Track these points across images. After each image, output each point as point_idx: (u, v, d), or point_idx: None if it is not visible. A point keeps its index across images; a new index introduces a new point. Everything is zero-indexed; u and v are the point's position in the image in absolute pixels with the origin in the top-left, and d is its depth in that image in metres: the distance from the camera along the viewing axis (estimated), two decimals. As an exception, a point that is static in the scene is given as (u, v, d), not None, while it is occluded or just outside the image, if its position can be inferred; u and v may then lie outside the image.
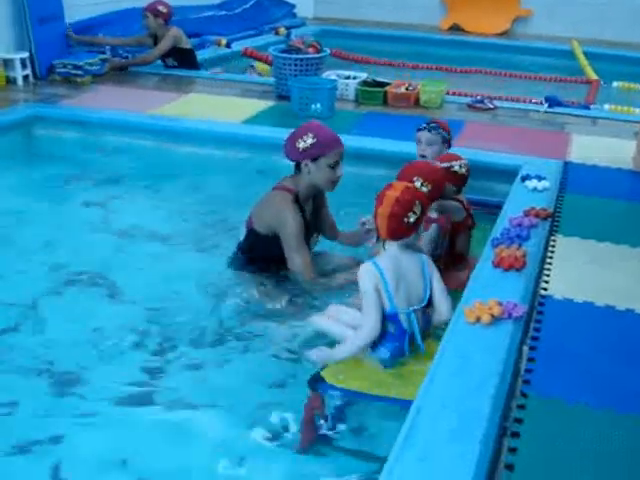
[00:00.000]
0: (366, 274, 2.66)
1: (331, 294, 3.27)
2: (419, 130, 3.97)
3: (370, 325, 2.65)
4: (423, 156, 3.89)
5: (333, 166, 3.23)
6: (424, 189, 3.11)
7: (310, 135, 3.20)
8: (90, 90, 6.31)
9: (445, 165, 3.54)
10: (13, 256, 3.80)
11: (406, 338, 2.68)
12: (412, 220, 2.65)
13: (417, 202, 2.66)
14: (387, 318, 2.67)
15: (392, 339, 2.69)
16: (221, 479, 2.41)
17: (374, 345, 2.70)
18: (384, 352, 2.70)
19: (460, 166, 3.56)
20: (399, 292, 2.66)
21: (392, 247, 2.72)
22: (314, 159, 3.21)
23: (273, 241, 3.29)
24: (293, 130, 3.33)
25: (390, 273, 2.65)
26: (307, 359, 2.87)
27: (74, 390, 2.78)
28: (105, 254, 3.86)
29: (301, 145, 3.20)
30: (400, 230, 2.67)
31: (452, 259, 3.49)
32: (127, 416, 2.69)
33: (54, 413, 2.66)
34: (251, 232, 3.38)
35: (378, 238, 2.77)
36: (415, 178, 3.15)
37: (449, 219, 3.45)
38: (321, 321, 3.01)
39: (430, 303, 2.76)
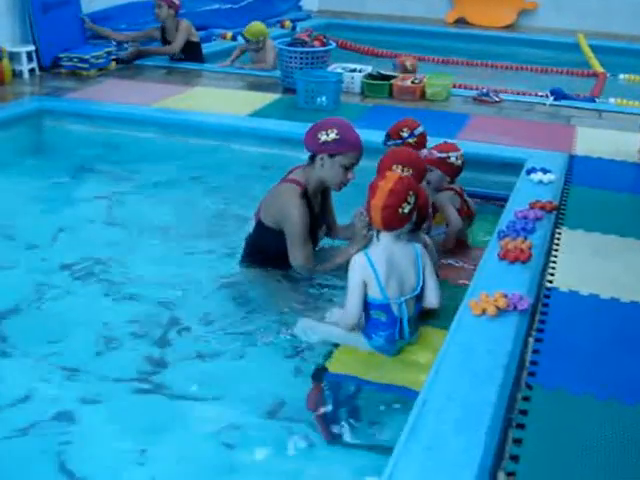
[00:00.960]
0: (357, 266, 2.71)
1: (335, 287, 3.28)
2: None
3: (349, 313, 2.74)
4: None
5: (348, 167, 3.20)
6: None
7: (335, 130, 3.15)
8: (96, 83, 6.32)
9: (442, 155, 3.57)
10: (21, 249, 3.82)
11: (397, 325, 2.74)
12: (406, 211, 2.67)
13: (411, 192, 2.68)
14: (378, 308, 2.73)
15: (384, 327, 2.75)
16: (226, 469, 2.42)
17: (368, 336, 2.77)
18: (378, 340, 2.77)
19: (456, 157, 3.61)
20: (391, 282, 2.70)
21: (385, 238, 2.74)
22: (331, 155, 3.18)
23: (280, 235, 3.28)
24: (320, 120, 3.29)
25: (382, 264, 2.69)
26: (293, 332, 2.96)
27: (81, 378, 2.80)
28: (111, 246, 3.86)
29: (323, 137, 3.16)
30: (394, 221, 2.68)
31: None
32: (133, 406, 2.71)
33: (62, 400, 2.68)
34: (259, 224, 3.39)
35: (371, 229, 2.81)
36: (395, 165, 3.13)
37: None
38: (311, 325, 2.99)
39: (422, 291, 2.81)
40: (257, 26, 6.83)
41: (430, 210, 3.45)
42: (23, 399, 2.67)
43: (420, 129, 3.69)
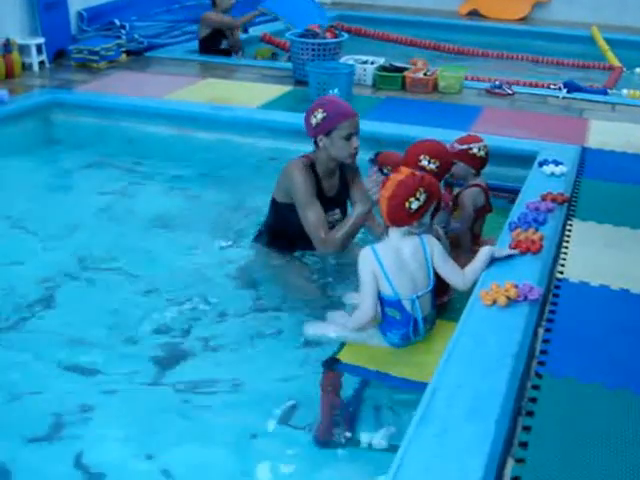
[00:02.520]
0: (363, 260, 2.68)
1: (347, 274, 3.29)
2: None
3: (364, 309, 2.69)
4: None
5: (348, 138, 3.19)
6: (432, 166, 3.09)
7: (320, 110, 3.18)
8: (106, 76, 6.35)
9: (464, 147, 3.54)
10: (34, 241, 3.84)
11: (411, 323, 2.69)
12: (414, 206, 2.62)
13: (421, 189, 2.62)
14: (391, 305, 2.69)
15: (398, 326, 2.70)
16: (240, 460, 2.45)
17: (384, 333, 2.74)
18: (393, 338, 2.73)
19: (479, 148, 3.54)
20: (401, 280, 2.65)
21: (394, 234, 2.71)
22: (327, 133, 3.19)
23: (292, 209, 3.27)
24: (309, 106, 3.32)
25: (389, 261, 2.65)
26: (304, 332, 2.93)
27: (92, 373, 2.83)
28: (121, 238, 3.90)
29: (313, 121, 3.19)
30: (400, 215, 2.65)
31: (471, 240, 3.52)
32: (148, 396, 2.74)
33: (78, 393, 2.71)
34: (272, 202, 3.41)
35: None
36: (422, 156, 3.12)
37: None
38: (319, 330, 2.96)
39: (441, 283, 2.77)
40: None
41: (450, 204, 3.46)
42: (39, 393, 2.70)
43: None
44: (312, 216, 3.21)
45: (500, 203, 3.93)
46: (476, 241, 3.59)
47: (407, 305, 2.67)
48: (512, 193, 3.98)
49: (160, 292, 3.39)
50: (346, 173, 3.41)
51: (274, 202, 3.40)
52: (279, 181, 3.36)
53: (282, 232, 3.40)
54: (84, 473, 2.36)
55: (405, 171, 2.68)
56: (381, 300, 2.70)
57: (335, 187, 3.40)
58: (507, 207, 3.73)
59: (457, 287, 2.81)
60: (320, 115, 3.17)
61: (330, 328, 2.89)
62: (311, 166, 3.28)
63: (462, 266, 2.82)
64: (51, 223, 4.03)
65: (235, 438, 2.52)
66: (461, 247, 3.43)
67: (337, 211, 3.42)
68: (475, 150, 3.53)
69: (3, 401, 2.65)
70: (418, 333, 2.73)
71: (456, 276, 2.77)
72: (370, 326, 2.77)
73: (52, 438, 2.50)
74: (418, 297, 2.67)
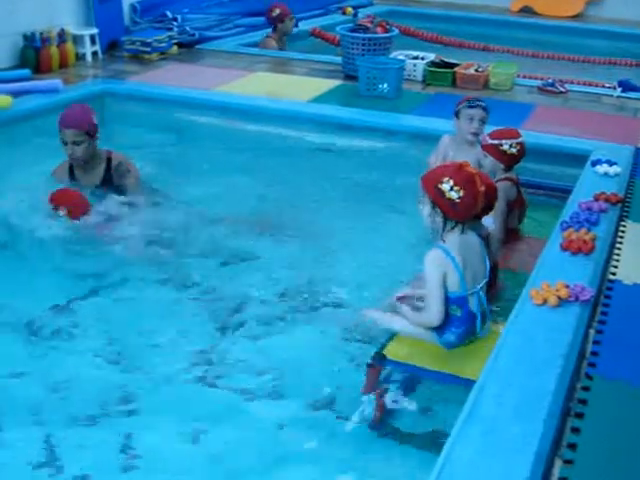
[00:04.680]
0: (434, 262, 2.64)
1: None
2: (471, 107, 3.88)
3: (432, 313, 2.66)
4: (476, 134, 3.85)
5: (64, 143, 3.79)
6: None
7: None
8: (157, 67, 6.41)
9: (494, 142, 3.51)
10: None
11: (471, 321, 2.68)
12: (446, 187, 2.61)
13: (448, 176, 2.62)
14: (455, 302, 2.66)
15: (458, 323, 2.68)
16: (280, 455, 2.46)
17: (441, 332, 2.70)
18: (450, 337, 2.70)
19: (510, 145, 3.50)
20: (467, 273, 2.65)
21: (457, 230, 2.68)
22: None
23: None
24: None
25: (459, 257, 2.64)
26: (365, 317, 2.92)
27: (137, 367, 2.86)
28: (165, 230, 3.88)
29: None
30: (431, 191, 2.65)
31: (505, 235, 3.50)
32: (191, 385, 2.77)
33: (118, 387, 2.74)
34: None
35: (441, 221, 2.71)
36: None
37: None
38: (378, 317, 2.94)
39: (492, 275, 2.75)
40: None
41: None
42: (82, 385, 2.74)
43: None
44: None
45: (548, 201, 3.90)
46: (514, 235, 3.56)
47: (470, 300, 2.66)
48: (562, 192, 3.94)
49: (204, 283, 3.42)
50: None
51: None
52: None
53: None
54: (128, 454, 2.41)
55: (470, 168, 2.66)
56: (445, 299, 2.67)
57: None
58: (552, 204, 3.68)
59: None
60: None
61: (390, 318, 2.87)
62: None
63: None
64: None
65: (275, 425, 2.55)
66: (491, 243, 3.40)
67: None
68: (506, 147, 3.49)
69: (60, 387, 2.71)
70: (475, 331, 2.71)
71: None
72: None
73: (97, 425, 2.55)
74: (479, 289, 2.68)
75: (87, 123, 3.84)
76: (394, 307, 2.90)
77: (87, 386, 2.73)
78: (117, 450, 2.43)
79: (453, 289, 2.65)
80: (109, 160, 3.97)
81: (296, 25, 8.07)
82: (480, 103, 3.89)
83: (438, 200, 2.64)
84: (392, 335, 2.79)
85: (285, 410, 2.63)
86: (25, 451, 2.41)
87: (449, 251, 2.64)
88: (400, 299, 2.90)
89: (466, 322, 2.68)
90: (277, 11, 7.20)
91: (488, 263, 2.74)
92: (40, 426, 2.50)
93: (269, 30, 7.40)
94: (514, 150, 3.50)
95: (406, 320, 2.79)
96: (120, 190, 3.92)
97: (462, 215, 2.65)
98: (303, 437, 2.50)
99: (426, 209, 2.74)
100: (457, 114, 3.96)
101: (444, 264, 2.63)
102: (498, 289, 3.02)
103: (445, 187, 2.61)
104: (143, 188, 4.03)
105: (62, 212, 3.66)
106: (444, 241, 2.68)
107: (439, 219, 2.68)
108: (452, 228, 2.67)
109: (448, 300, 2.67)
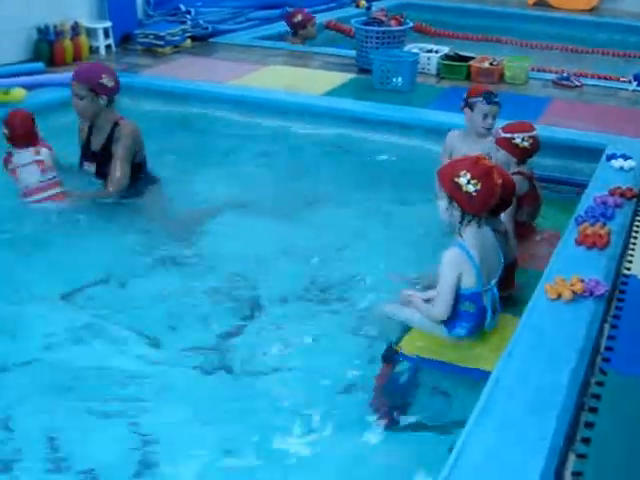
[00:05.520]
0: (452, 262, 2.64)
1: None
2: (488, 104, 3.86)
3: (439, 310, 2.69)
4: (488, 129, 3.84)
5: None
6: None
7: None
8: (171, 60, 6.43)
9: (507, 135, 3.49)
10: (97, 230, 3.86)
11: (482, 315, 2.69)
12: (462, 181, 2.60)
13: (465, 170, 2.61)
14: (469, 298, 2.67)
15: (470, 319, 2.70)
16: (292, 437, 2.46)
17: (451, 326, 2.72)
18: (460, 331, 2.72)
19: (523, 139, 3.48)
20: (483, 268, 2.65)
21: (474, 224, 2.68)
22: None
23: None
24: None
25: (477, 253, 2.64)
26: (381, 310, 2.94)
27: (157, 357, 2.86)
28: (182, 222, 3.93)
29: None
30: (447, 184, 2.64)
31: (516, 228, 3.46)
32: (207, 376, 2.77)
33: (136, 376, 2.74)
34: None
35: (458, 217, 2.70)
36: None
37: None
38: (393, 309, 2.97)
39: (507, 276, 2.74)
40: None
41: None
42: (100, 372, 2.75)
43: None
44: None
45: (562, 195, 3.87)
46: (528, 229, 3.55)
47: (484, 296, 2.67)
48: (576, 186, 3.92)
49: (222, 272, 3.42)
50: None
51: None
52: None
53: None
54: (142, 441, 2.42)
55: (487, 162, 2.66)
56: (458, 296, 2.68)
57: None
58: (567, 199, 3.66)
59: None
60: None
61: (404, 310, 2.89)
62: None
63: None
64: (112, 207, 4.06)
65: (289, 417, 2.54)
66: (509, 238, 3.39)
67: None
68: (518, 140, 3.47)
69: (72, 376, 2.72)
70: (485, 325, 2.72)
71: None
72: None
73: (112, 415, 2.55)
74: (494, 285, 2.69)
75: (95, 80, 3.77)
76: (406, 299, 2.92)
77: (100, 374, 2.74)
78: (129, 433, 2.45)
79: (468, 285, 2.65)
80: (116, 125, 3.91)
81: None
82: (496, 100, 3.87)
83: (455, 194, 2.63)
84: (407, 329, 2.80)
85: (299, 398, 2.63)
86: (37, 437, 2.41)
87: (467, 248, 2.64)
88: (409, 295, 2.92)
89: (478, 317, 2.70)
90: (299, 17, 7.18)
91: (502, 259, 2.74)
92: (51, 414, 2.52)
93: (282, 23, 7.39)
94: (526, 144, 3.49)
95: (418, 313, 2.81)
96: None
97: (479, 208, 2.64)
98: (317, 426, 2.51)
99: (443, 203, 2.73)
100: (470, 106, 3.93)
101: (461, 264, 2.63)
102: (515, 288, 3.01)
103: (462, 181, 2.60)
104: (127, 162, 3.92)
105: (5, 131, 3.65)
106: (462, 236, 2.67)
107: (457, 213, 2.68)
108: (469, 222, 2.67)
109: (462, 297, 2.67)
